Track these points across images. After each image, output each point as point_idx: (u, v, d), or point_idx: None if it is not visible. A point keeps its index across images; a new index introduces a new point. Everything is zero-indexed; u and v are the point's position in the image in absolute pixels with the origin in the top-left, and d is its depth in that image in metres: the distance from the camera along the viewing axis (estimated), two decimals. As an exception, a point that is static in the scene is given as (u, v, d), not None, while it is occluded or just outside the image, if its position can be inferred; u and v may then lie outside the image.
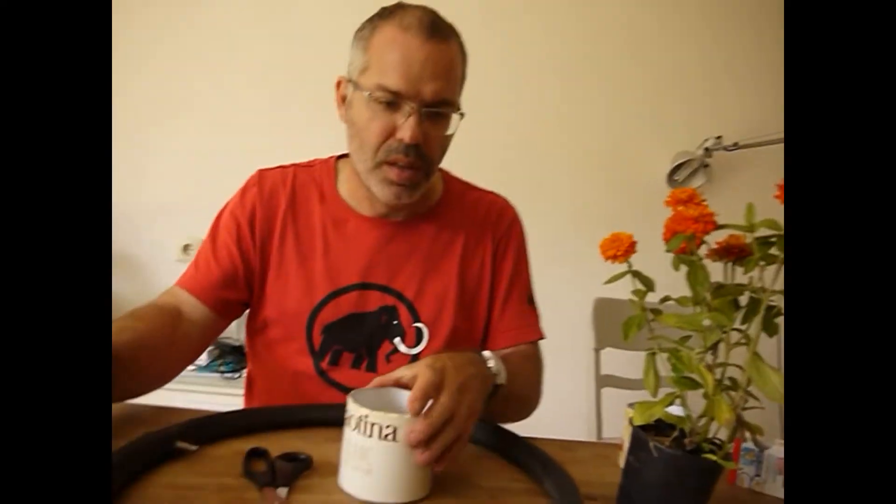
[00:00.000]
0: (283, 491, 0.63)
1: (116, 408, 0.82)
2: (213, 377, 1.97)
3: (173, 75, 2.14)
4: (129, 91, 2.12)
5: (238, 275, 0.97)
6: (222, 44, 2.14)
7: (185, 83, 2.15)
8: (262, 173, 1.03)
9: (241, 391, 1.11)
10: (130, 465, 0.63)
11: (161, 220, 2.14)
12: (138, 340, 0.80)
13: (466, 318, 1.01)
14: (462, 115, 0.93)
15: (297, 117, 2.11)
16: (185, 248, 2.12)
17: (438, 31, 0.87)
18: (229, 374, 1.98)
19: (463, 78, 0.93)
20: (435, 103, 0.87)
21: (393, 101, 0.87)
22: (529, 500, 0.69)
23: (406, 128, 0.87)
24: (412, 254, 1.00)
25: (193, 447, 0.67)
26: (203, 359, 1.95)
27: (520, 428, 0.87)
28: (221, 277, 0.96)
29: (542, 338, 1.05)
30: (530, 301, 1.07)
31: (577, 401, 1.85)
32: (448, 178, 1.09)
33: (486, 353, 0.81)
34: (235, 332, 1.88)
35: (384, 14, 0.89)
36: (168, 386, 0.87)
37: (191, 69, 2.14)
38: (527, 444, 0.79)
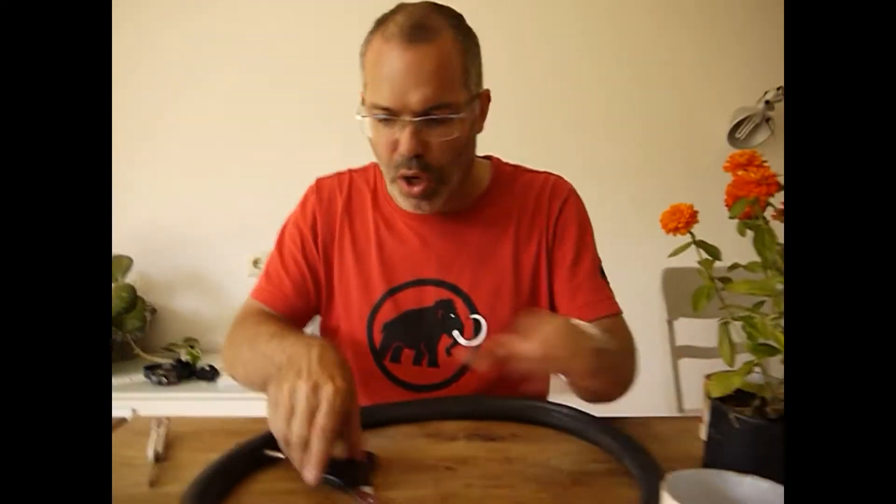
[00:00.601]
0: (368, 489, 0.65)
1: (209, 421, 0.87)
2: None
3: (232, 95, 2.21)
4: (180, 107, 2.21)
5: (307, 284, 1.01)
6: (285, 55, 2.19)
7: (226, 103, 2.21)
8: (319, 182, 1.08)
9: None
10: (225, 475, 0.67)
11: (229, 238, 2.22)
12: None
13: (527, 303, 0.99)
14: (477, 101, 0.91)
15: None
16: (255, 262, 2.19)
17: (421, 32, 0.84)
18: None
19: (467, 69, 0.89)
20: (426, 111, 0.85)
21: (388, 117, 0.87)
22: (612, 481, 0.69)
23: (402, 142, 0.87)
24: (463, 246, 1.00)
25: (280, 455, 0.70)
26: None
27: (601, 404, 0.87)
28: (293, 288, 1.01)
29: (618, 312, 0.99)
30: (602, 274, 1.02)
31: (655, 373, 1.82)
32: (497, 164, 1.08)
33: (579, 321, 0.79)
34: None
35: (376, 25, 0.89)
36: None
37: (246, 89, 2.21)
38: (603, 424, 0.79)
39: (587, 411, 0.83)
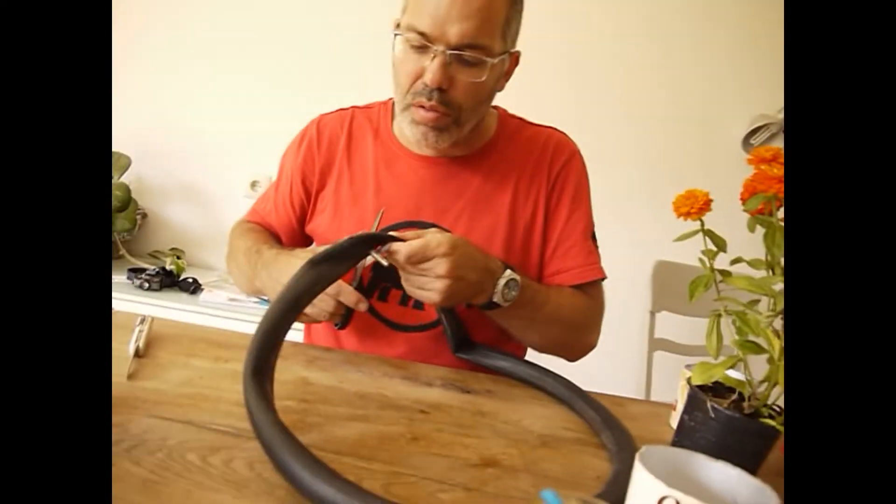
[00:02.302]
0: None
1: (190, 328, 0.87)
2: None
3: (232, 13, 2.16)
4: (191, 28, 2.15)
5: (293, 225, 1.08)
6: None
7: (244, 22, 2.16)
8: (321, 120, 1.07)
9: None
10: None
11: (230, 156, 2.20)
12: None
13: (518, 257, 1.00)
14: (508, 57, 0.91)
15: (364, 61, 2.11)
16: (253, 184, 2.17)
17: None
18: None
19: (509, 21, 0.89)
20: (461, 47, 0.84)
21: (423, 44, 0.85)
22: (580, 449, 0.70)
23: (429, 71, 0.85)
24: (462, 192, 1.00)
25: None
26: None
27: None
28: (279, 227, 1.08)
29: (603, 277, 1.02)
30: (593, 238, 1.04)
31: (628, 362, 1.85)
32: (503, 116, 1.07)
33: (507, 274, 0.84)
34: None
35: None
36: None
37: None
38: (589, 397, 0.81)
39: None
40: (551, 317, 0.93)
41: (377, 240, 0.78)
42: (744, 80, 2.15)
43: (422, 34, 0.84)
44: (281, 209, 1.07)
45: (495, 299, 0.84)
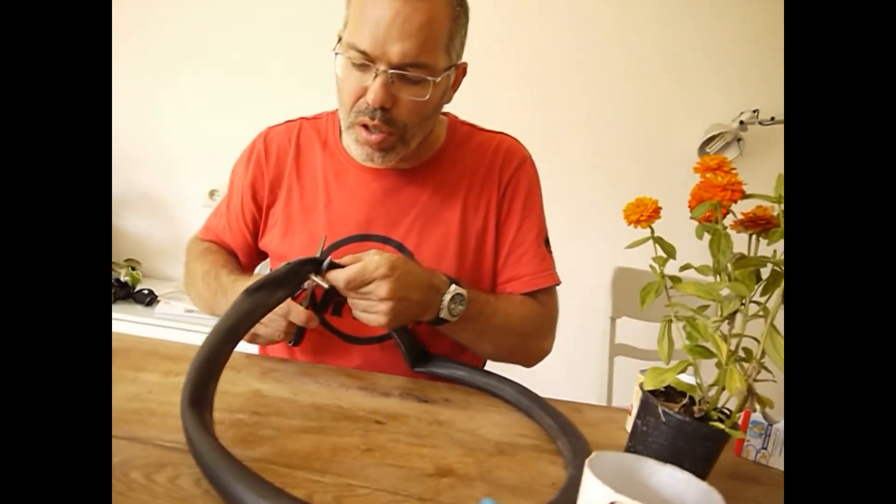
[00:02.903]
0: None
1: (141, 341, 0.85)
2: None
3: (192, 17, 2.13)
4: (151, 33, 2.11)
5: (247, 240, 1.06)
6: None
7: (203, 25, 2.13)
8: (268, 134, 1.06)
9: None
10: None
11: (188, 166, 2.16)
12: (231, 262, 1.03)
13: (471, 266, 0.99)
14: (453, 71, 0.91)
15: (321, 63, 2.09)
16: (212, 193, 2.14)
17: None
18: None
19: (453, 36, 0.87)
20: (403, 66, 0.83)
21: (364, 63, 0.84)
22: (536, 456, 0.71)
23: (371, 91, 0.84)
24: (413, 204, 0.99)
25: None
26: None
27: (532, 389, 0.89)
28: (233, 243, 1.06)
29: (557, 283, 1.02)
30: (546, 244, 1.04)
31: (590, 368, 1.86)
32: (453, 122, 1.06)
33: (452, 289, 0.84)
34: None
35: None
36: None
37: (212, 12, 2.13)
38: (546, 404, 0.81)
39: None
40: (501, 327, 0.93)
41: (313, 264, 0.78)
42: (702, 88, 2.21)
43: (363, 53, 0.83)
44: (234, 226, 1.05)
45: (442, 315, 0.85)
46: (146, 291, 1.89)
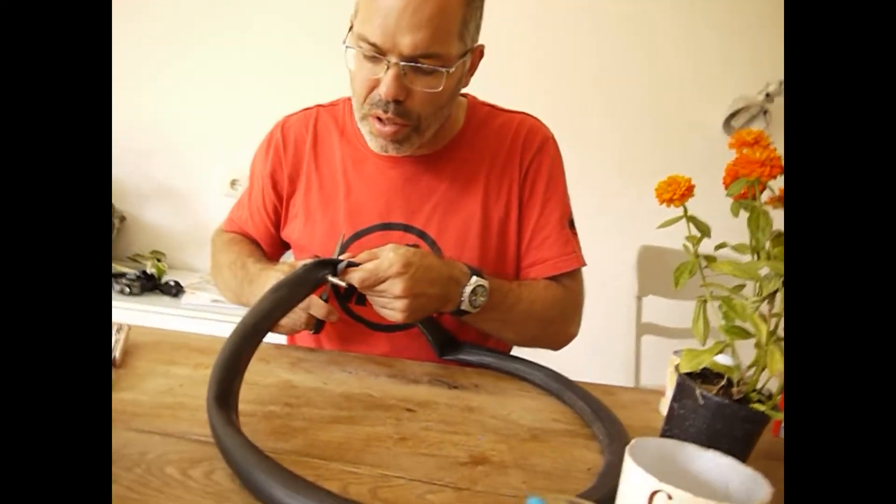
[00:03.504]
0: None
1: (170, 334, 0.85)
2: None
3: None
4: (166, 18, 2.11)
5: (269, 231, 1.06)
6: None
7: (220, 10, 2.12)
8: (285, 123, 1.05)
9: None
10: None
11: (209, 156, 2.16)
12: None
13: (495, 252, 0.98)
14: (469, 56, 0.88)
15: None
16: (233, 183, 2.14)
17: None
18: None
19: (467, 21, 0.84)
20: (415, 57, 0.81)
21: (375, 55, 0.82)
22: (570, 441, 0.70)
23: (383, 84, 0.82)
24: (432, 192, 0.97)
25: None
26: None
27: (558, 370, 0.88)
28: (256, 234, 1.06)
29: (582, 265, 1.00)
30: (571, 225, 1.01)
31: (616, 347, 1.85)
32: (472, 104, 1.03)
33: (473, 281, 0.83)
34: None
35: None
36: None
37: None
38: (578, 387, 0.80)
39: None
40: (525, 315, 0.92)
41: (330, 266, 0.78)
42: (723, 62, 2.15)
43: (373, 45, 0.81)
44: (257, 217, 1.05)
45: (463, 307, 0.84)
46: (172, 283, 1.91)
